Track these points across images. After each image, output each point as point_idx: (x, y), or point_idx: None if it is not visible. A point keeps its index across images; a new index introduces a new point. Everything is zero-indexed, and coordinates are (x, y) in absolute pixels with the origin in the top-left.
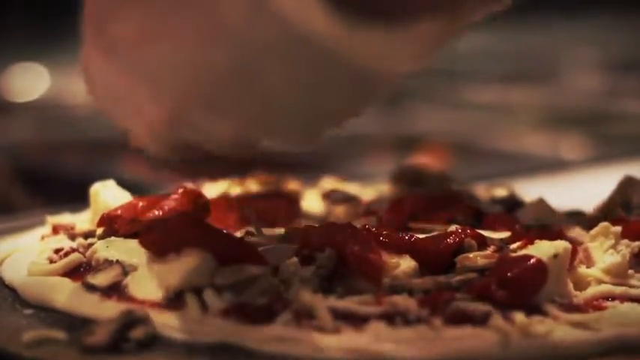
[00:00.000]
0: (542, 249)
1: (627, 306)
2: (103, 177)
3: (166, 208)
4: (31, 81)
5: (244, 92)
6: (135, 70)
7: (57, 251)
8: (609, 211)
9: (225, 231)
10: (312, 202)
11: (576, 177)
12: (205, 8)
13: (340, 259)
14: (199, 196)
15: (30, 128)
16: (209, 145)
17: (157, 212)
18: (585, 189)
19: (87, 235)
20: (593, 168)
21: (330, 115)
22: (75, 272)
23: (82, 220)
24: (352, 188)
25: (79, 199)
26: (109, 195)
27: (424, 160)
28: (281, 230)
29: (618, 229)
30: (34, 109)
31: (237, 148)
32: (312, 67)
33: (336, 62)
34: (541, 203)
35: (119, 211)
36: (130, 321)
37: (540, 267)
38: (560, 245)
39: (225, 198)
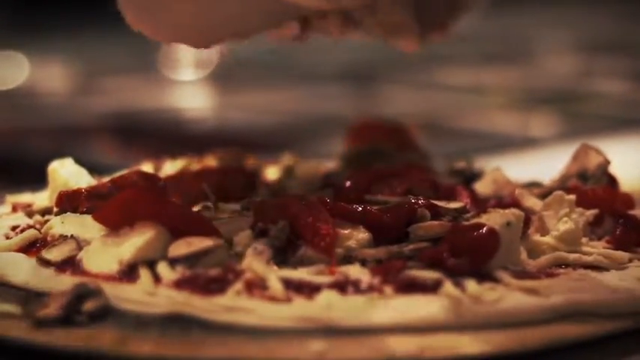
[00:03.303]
0: (495, 218)
1: (579, 273)
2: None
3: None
4: (11, 69)
5: None
6: None
7: (14, 228)
8: (565, 181)
9: (179, 204)
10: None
11: (545, 154)
12: None
13: (293, 231)
14: (156, 178)
15: (7, 116)
16: None
17: (112, 189)
18: (554, 165)
19: (44, 212)
20: (562, 145)
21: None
22: (31, 248)
23: (42, 199)
24: (310, 164)
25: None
26: (66, 172)
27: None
28: (237, 205)
29: (572, 197)
30: (12, 97)
31: None
32: None
33: None
34: (497, 173)
35: (77, 189)
36: (82, 293)
37: (492, 235)
38: (513, 214)
39: (183, 173)
